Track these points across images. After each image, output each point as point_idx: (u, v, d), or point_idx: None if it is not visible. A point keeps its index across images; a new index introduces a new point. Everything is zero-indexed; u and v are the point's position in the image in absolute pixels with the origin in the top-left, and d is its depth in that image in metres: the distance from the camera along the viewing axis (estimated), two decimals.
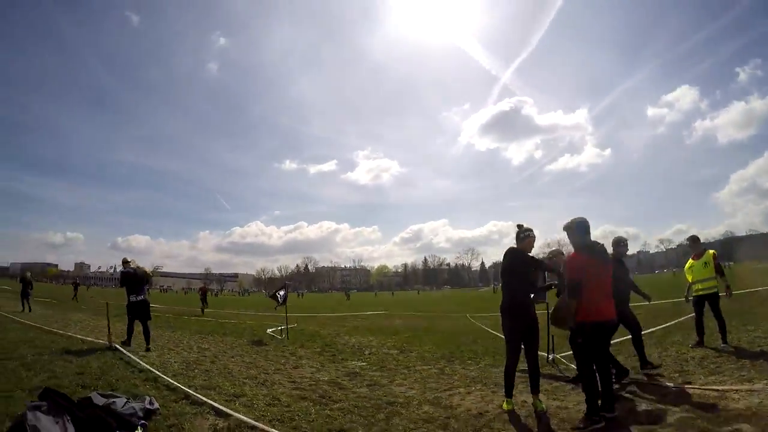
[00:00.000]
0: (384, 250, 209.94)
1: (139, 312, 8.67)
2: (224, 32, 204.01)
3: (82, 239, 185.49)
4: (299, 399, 5.22)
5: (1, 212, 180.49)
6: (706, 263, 7.12)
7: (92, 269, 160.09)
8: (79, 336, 9.94)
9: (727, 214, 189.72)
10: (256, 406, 4.85)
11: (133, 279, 8.77)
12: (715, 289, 7.02)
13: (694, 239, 7.60)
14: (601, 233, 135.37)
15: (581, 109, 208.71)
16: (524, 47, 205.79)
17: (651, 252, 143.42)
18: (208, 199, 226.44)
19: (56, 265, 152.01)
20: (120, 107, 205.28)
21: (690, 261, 7.42)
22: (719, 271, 7.04)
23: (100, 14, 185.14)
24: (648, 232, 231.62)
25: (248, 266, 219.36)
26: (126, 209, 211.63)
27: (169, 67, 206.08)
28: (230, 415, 4.33)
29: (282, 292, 12.52)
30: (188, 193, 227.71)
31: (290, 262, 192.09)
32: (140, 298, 8.71)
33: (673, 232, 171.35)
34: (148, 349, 8.29)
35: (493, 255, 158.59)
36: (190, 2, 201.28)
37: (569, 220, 4.31)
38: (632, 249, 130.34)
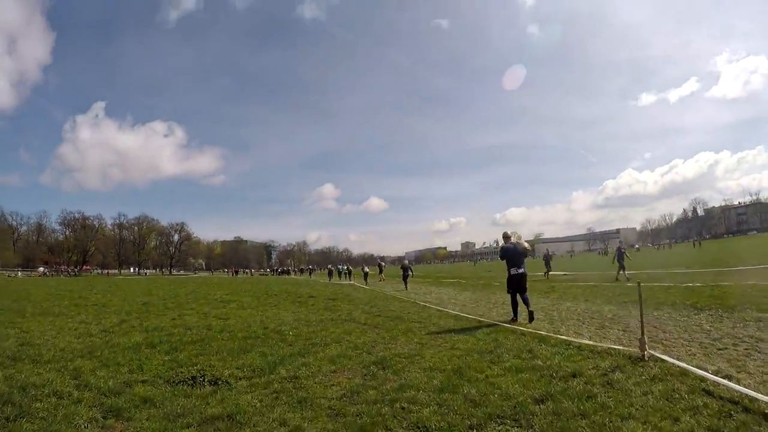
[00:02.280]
0: None
1: (518, 284, 8.73)
2: None
3: (464, 222, 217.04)
4: None
5: (391, 215, 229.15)
6: None
7: (477, 246, 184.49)
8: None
9: None
10: None
11: (513, 253, 8.85)
12: None
13: None
14: None
15: None
16: None
17: None
18: (573, 158, 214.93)
19: (445, 248, 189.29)
20: (459, 101, 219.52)
21: None
22: None
23: (414, 27, 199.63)
24: None
25: (626, 220, 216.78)
26: (497, 187, 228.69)
27: (490, 48, 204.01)
28: None
29: None
30: (551, 157, 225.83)
31: (672, 208, 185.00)
32: (521, 271, 8.74)
33: None
34: (531, 319, 8.26)
35: None
36: None
37: None
38: None
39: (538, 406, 3.79)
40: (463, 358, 5.64)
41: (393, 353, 6.09)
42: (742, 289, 11.01)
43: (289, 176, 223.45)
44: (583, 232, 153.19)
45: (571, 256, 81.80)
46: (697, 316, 7.91)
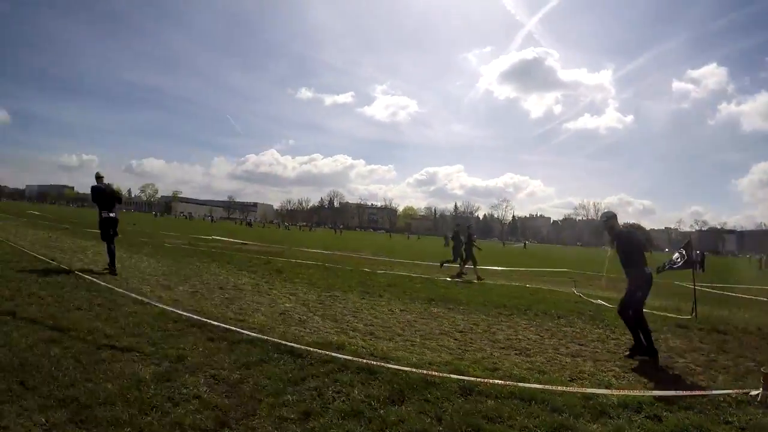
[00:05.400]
0: (397, 191, 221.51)
1: (109, 228, 8.66)
2: None
3: (97, 162, 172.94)
4: None
5: (14, 133, 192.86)
6: None
7: None
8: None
9: (747, 204, 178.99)
10: None
11: (102, 196, 8.67)
12: None
13: None
14: (617, 201, 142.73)
15: (606, 70, 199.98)
16: None
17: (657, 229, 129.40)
18: (220, 123, 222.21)
19: (72, 188, 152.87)
20: (130, 24, 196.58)
21: None
22: None
23: None
24: (664, 209, 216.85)
25: (261, 196, 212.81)
26: (139, 131, 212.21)
27: None
28: None
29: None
30: (200, 116, 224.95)
31: (304, 195, 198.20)
32: (112, 215, 8.74)
33: (690, 213, 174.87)
34: (110, 271, 8.21)
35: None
36: None
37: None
38: (650, 225, 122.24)
39: None
40: None
41: None
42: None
43: None
44: (222, 198, 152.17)
45: (212, 220, 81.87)
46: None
